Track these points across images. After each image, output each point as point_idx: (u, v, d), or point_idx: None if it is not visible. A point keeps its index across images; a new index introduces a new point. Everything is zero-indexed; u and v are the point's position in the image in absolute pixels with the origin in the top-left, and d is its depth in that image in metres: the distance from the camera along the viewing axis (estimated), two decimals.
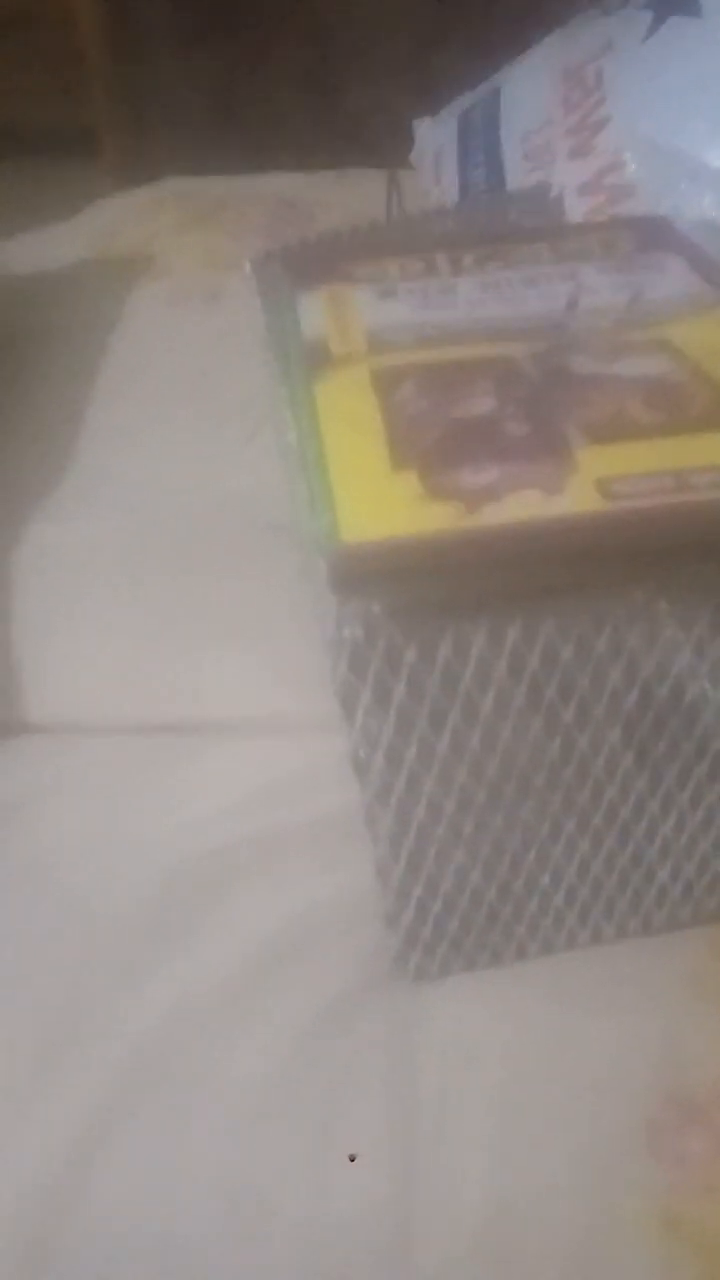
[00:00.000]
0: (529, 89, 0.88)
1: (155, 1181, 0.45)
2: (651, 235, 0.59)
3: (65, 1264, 0.43)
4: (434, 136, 0.94)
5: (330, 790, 0.52)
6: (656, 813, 0.46)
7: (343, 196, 0.96)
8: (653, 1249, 0.42)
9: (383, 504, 0.40)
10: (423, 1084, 0.46)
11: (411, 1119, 0.45)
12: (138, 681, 0.62)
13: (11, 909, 0.54)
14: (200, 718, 0.61)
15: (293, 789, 0.57)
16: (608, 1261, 0.42)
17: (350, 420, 0.44)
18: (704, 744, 0.44)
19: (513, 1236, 0.43)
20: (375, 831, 0.45)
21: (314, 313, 0.53)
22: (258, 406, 0.69)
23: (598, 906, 0.48)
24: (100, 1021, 0.49)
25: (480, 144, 0.88)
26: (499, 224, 0.65)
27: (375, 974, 0.49)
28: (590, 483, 0.40)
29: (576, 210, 0.77)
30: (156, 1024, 0.48)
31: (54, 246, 0.98)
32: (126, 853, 0.55)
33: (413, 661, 0.40)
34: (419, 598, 0.39)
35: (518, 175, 0.84)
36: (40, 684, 0.63)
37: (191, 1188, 0.44)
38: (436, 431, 0.43)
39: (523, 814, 0.45)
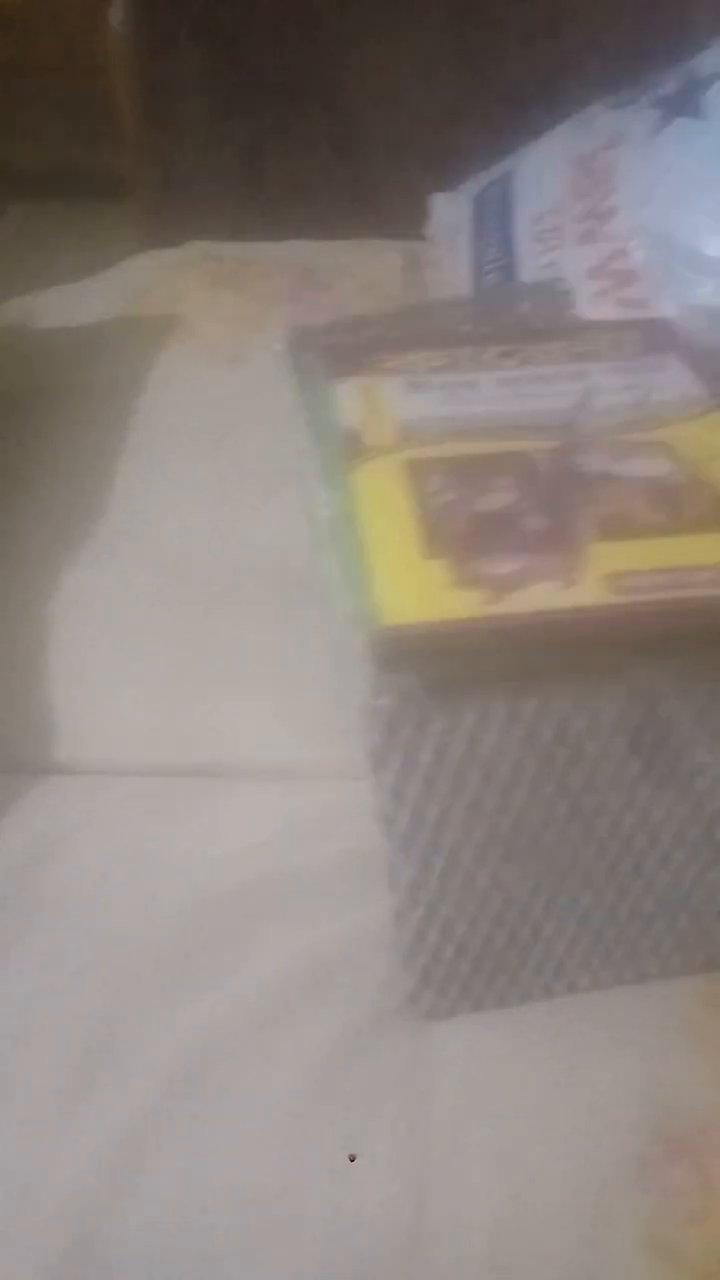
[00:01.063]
0: (542, 174, 0.92)
1: (184, 1196, 0.47)
2: (655, 337, 0.64)
3: (105, 1268, 0.46)
4: (451, 212, 0.98)
5: (345, 833, 0.55)
6: (654, 869, 0.49)
7: (361, 266, 0.99)
8: (642, 1272, 0.45)
9: (418, 589, 0.44)
10: (433, 1115, 0.49)
11: (422, 1147, 0.48)
12: (165, 726, 0.65)
13: (45, 941, 0.56)
14: (224, 762, 0.63)
15: (310, 831, 0.59)
16: None
17: (385, 508, 0.49)
18: (699, 806, 0.48)
19: (515, 1261, 0.45)
20: (396, 879, 0.48)
21: (348, 402, 0.57)
22: (279, 465, 0.73)
23: (597, 955, 0.51)
24: (130, 1049, 0.51)
25: (494, 223, 0.93)
26: (516, 318, 0.69)
27: (388, 1010, 0.52)
28: (601, 576, 0.45)
29: (584, 292, 0.82)
30: (181, 1054, 0.51)
31: (84, 303, 1.00)
32: (153, 889, 0.57)
33: (439, 729, 0.44)
34: (447, 673, 0.43)
35: (529, 256, 0.88)
36: (72, 727, 0.65)
37: (216, 1206, 0.47)
38: (463, 522, 0.48)
39: (533, 868, 0.48)
